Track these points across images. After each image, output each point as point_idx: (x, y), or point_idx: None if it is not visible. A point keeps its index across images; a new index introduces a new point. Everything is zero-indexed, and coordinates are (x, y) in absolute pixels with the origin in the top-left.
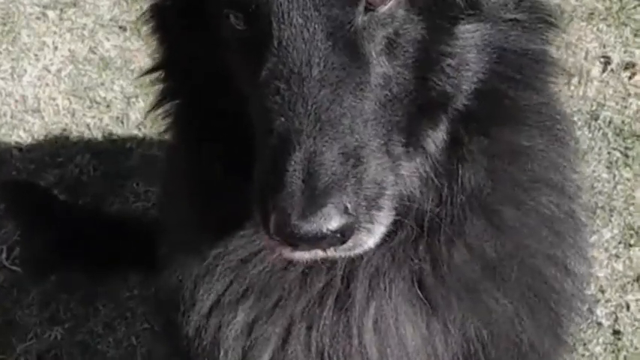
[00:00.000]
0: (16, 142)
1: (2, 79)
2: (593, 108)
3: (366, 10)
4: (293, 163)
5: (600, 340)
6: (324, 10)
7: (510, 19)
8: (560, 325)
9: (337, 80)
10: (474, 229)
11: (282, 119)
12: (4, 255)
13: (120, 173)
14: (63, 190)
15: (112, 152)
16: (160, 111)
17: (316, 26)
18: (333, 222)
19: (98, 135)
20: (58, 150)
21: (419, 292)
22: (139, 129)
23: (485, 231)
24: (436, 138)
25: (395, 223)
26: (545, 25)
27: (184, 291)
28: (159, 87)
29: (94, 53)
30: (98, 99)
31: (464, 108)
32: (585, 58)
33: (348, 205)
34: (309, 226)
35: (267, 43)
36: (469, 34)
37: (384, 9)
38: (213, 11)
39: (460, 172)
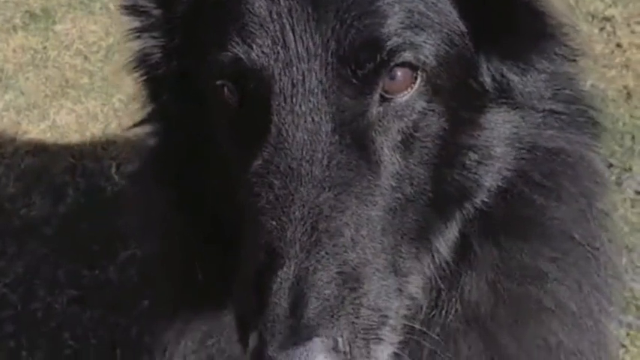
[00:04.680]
0: None
1: None
2: None
3: (382, 99)
4: (279, 281)
5: None
6: (333, 98)
7: (546, 110)
8: None
9: (342, 182)
10: (467, 348)
11: (273, 223)
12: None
13: None
14: None
15: None
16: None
17: (322, 116)
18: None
19: None
20: None
21: None
22: None
23: (479, 355)
24: (447, 237)
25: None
26: (586, 121)
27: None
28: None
29: None
30: None
31: (481, 206)
32: None
33: (340, 340)
34: None
35: (263, 130)
36: (497, 125)
37: (402, 99)
38: (204, 80)
39: (462, 279)
